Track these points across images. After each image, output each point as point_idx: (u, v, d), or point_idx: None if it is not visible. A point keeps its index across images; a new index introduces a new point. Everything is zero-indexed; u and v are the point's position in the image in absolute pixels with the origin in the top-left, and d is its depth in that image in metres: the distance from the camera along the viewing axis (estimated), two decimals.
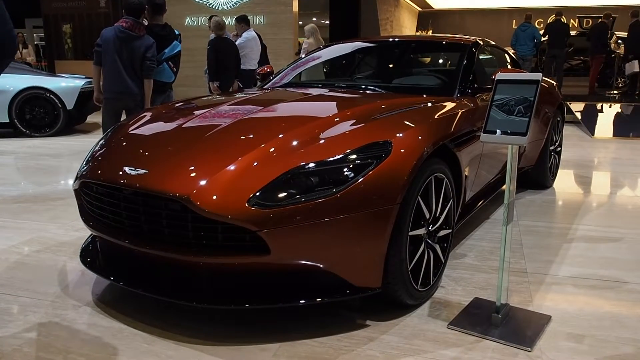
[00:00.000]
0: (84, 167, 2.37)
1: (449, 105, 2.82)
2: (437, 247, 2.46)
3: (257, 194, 1.93)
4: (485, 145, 3.05)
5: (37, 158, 6.01)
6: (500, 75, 2.03)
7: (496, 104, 2.01)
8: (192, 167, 2.07)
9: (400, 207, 2.07)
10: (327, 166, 2.03)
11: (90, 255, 2.43)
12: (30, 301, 2.37)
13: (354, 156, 2.07)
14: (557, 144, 4.69)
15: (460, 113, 2.79)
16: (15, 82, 7.27)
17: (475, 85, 3.21)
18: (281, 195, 1.94)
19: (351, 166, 2.03)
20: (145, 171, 2.07)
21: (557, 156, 4.74)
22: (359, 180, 1.99)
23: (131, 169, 2.10)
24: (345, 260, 2.03)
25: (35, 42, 17.86)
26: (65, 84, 7.58)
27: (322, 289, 2.07)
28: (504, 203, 2.11)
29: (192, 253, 1.97)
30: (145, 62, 4.42)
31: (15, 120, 7.29)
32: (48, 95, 7.31)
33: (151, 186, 2.00)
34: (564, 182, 4.85)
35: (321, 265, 2.00)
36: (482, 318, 2.24)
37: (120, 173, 2.11)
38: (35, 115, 7.40)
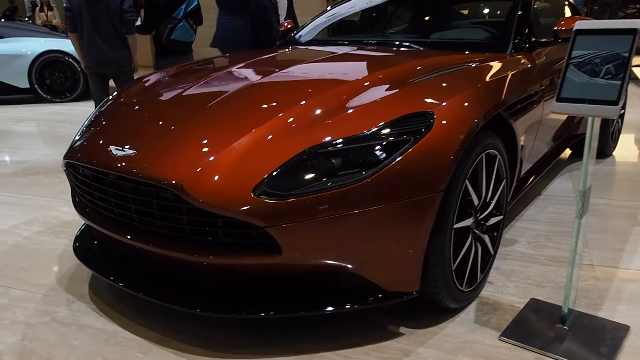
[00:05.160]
0: (70, 146, 2.04)
1: (503, 63, 2.34)
2: (486, 238, 2.05)
3: (266, 180, 1.56)
4: (544, 110, 2.57)
5: (56, 125, 5.80)
6: (580, 24, 1.55)
7: (575, 63, 1.55)
8: (189, 146, 1.70)
9: (444, 194, 1.67)
10: (354, 144, 1.63)
11: (85, 246, 2.12)
12: (21, 294, 2.11)
13: (387, 131, 1.66)
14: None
15: (516, 73, 2.31)
16: (32, 45, 7.03)
17: (533, 39, 2.69)
18: (296, 181, 1.56)
19: (384, 143, 1.63)
20: (133, 152, 1.72)
21: (619, 119, 4.17)
22: (394, 162, 1.59)
23: (118, 149, 1.76)
24: (375, 261, 1.66)
25: (64, 5, 17.64)
26: None
27: (346, 294, 1.72)
28: (579, 191, 1.68)
29: (186, 250, 1.64)
30: (124, 16, 3.98)
31: (36, 86, 7.09)
32: (67, 58, 7.04)
33: (139, 171, 1.65)
34: (626, 149, 4.28)
35: (349, 266, 1.64)
36: (542, 327, 1.85)
37: (106, 154, 1.77)
38: (55, 80, 7.17)
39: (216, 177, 1.57)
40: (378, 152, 1.61)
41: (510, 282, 2.18)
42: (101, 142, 1.87)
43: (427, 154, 1.64)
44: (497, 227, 2.15)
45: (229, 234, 1.60)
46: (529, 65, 2.48)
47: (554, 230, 2.71)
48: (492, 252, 2.13)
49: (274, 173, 1.56)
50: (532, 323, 1.88)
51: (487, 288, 2.13)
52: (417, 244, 1.67)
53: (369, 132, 1.65)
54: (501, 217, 2.15)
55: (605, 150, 4.01)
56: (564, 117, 3.10)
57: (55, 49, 7.08)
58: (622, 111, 4.23)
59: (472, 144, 1.78)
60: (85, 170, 1.88)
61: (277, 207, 1.52)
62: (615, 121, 3.92)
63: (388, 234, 1.64)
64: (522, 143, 2.31)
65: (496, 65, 2.28)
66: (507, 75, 2.22)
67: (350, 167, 1.59)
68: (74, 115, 6.37)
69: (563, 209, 3.02)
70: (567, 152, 3.97)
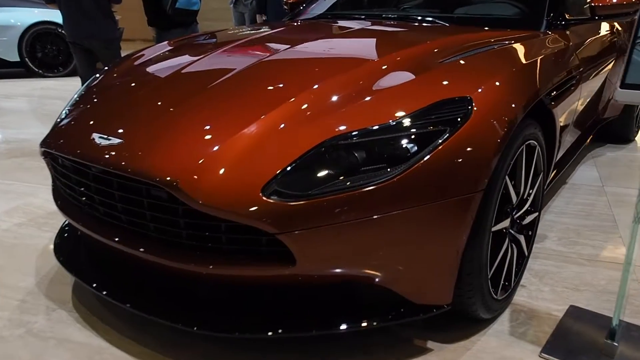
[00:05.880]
0: (49, 132, 1.79)
1: (539, 42, 2.08)
2: (522, 238, 1.83)
3: (277, 177, 1.31)
4: (581, 94, 2.32)
5: (47, 102, 5.51)
6: None
7: None
8: (186, 135, 1.45)
9: (483, 194, 1.43)
10: (379, 135, 1.38)
11: (68, 244, 1.88)
12: None
13: (417, 120, 1.41)
14: None
15: (555, 54, 2.05)
16: (23, 16, 6.66)
17: (567, 16, 2.41)
18: (313, 179, 1.32)
19: (413, 136, 1.38)
20: (119, 141, 1.47)
21: None
22: (426, 158, 1.34)
23: (102, 138, 1.50)
24: (404, 272, 1.43)
25: None
26: None
27: (364, 308, 1.49)
28: (638, 189, 1.44)
29: (183, 258, 1.40)
30: None
31: (26, 59, 6.75)
32: (60, 30, 6.68)
33: (126, 164, 1.40)
34: None
35: (376, 278, 1.40)
36: (586, 341, 1.63)
37: (88, 143, 1.51)
38: (48, 54, 6.83)
39: (218, 174, 1.32)
40: (408, 146, 1.37)
41: (545, 286, 1.96)
42: (83, 128, 1.61)
43: (465, 147, 1.40)
44: (532, 225, 1.92)
45: (233, 240, 1.36)
46: (566, 45, 2.22)
47: (584, 224, 2.49)
48: (527, 254, 1.91)
49: (288, 169, 1.32)
50: (575, 336, 1.67)
51: (520, 292, 1.91)
52: (453, 251, 1.43)
53: (396, 122, 1.40)
54: (537, 214, 1.92)
55: (628, 135, 3.78)
56: (598, 100, 2.86)
57: (48, 20, 6.72)
58: None
59: (514, 134, 1.54)
60: (65, 160, 1.63)
61: (291, 210, 1.28)
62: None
63: (420, 240, 1.40)
64: (559, 131, 2.06)
65: (533, 45, 2.02)
66: (547, 56, 1.96)
67: (375, 163, 1.35)
68: (67, 91, 6.05)
69: (591, 200, 2.79)
70: None
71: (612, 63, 2.96)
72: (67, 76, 7.00)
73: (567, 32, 2.34)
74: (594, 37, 2.68)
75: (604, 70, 2.81)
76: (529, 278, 2.01)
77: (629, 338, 1.64)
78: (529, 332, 1.70)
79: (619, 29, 3.12)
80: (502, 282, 1.71)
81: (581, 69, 2.29)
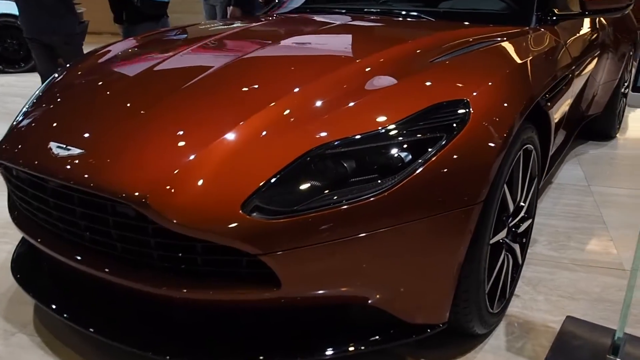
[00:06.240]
0: (2, 139, 1.60)
1: (531, 39, 1.98)
2: (517, 247, 1.74)
3: (259, 191, 1.17)
4: (573, 91, 2.24)
5: (7, 99, 5.22)
6: None
7: None
8: (156, 144, 1.30)
9: (482, 206, 1.32)
10: (370, 144, 1.26)
11: (27, 261, 1.70)
12: None
13: (410, 127, 1.29)
14: (626, 84, 3.83)
15: (547, 51, 1.96)
16: None
17: (556, 11, 2.33)
18: (297, 193, 1.18)
19: (407, 144, 1.26)
20: (80, 151, 1.31)
21: (625, 99, 3.89)
22: (421, 168, 1.23)
23: (60, 147, 1.33)
24: (399, 291, 1.31)
25: None
26: None
27: (353, 328, 1.37)
28: None
29: (153, 281, 1.25)
30: None
31: None
32: (19, 24, 6.36)
33: (89, 178, 1.24)
34: (631, 131, 4.03)
35: (369, 299, 1.29)
36: (587, 356, 1.55)
37: (44, 153, 1.35)
38: (7, 48, 6.49)
39: (193, 188, 1.18)
40: (401, 155, 1.25)
41: (539, 295, 1.88)
42: (40, 136, 1.44)
43: (462, 155, 1.28)
44: (526, 233, 1.83)
45: (210, 261, 1.22)
46: (557, 42, 2.13)
47: (573, 227, 2.42)
48: (521, 262, 1.82)
49: (270, 182, 1.18)
50: (575, 351, 1.58)
51: (514, 303, 1.82)
52: (451, 268, 1.32)
53: (387, 129, 1.28)
54: (531, 220, 1.84)
55: (610, 132, 3.74)
56: (584, 98, 2.80)
57: (7, 12, 6.37)
58: (628, 90, 3.95)
59: (512, 139, 1.44)
60: (20, 172, 1.46)
61: (274, 228, 1.15)
62: (620, 100, 3.65)
63: (416, 258, 1.29)
64: (553, 132, 1.98)
65: (526, 42, 1.92)
66: (541, 55, 1.87)
67: (366, 174, 1.23)
68: (28, 88, 5.75)
69: (578, 200, 2.74)
70: None
71: (597, 59, 2.90)
72: (29, 72, 6.65)
73: (556, 28, 2.26)
74: (580, 33, 2.61)
75: (590, 67, 2.75)
76: (522, 287, 1.92)
77: (633, 353, 1.56)
78: (527, 346, 1.61)
79: (604, 23, 3.06)
80: (497, 294, 1.61)
81: (573, 67, 2.21)
